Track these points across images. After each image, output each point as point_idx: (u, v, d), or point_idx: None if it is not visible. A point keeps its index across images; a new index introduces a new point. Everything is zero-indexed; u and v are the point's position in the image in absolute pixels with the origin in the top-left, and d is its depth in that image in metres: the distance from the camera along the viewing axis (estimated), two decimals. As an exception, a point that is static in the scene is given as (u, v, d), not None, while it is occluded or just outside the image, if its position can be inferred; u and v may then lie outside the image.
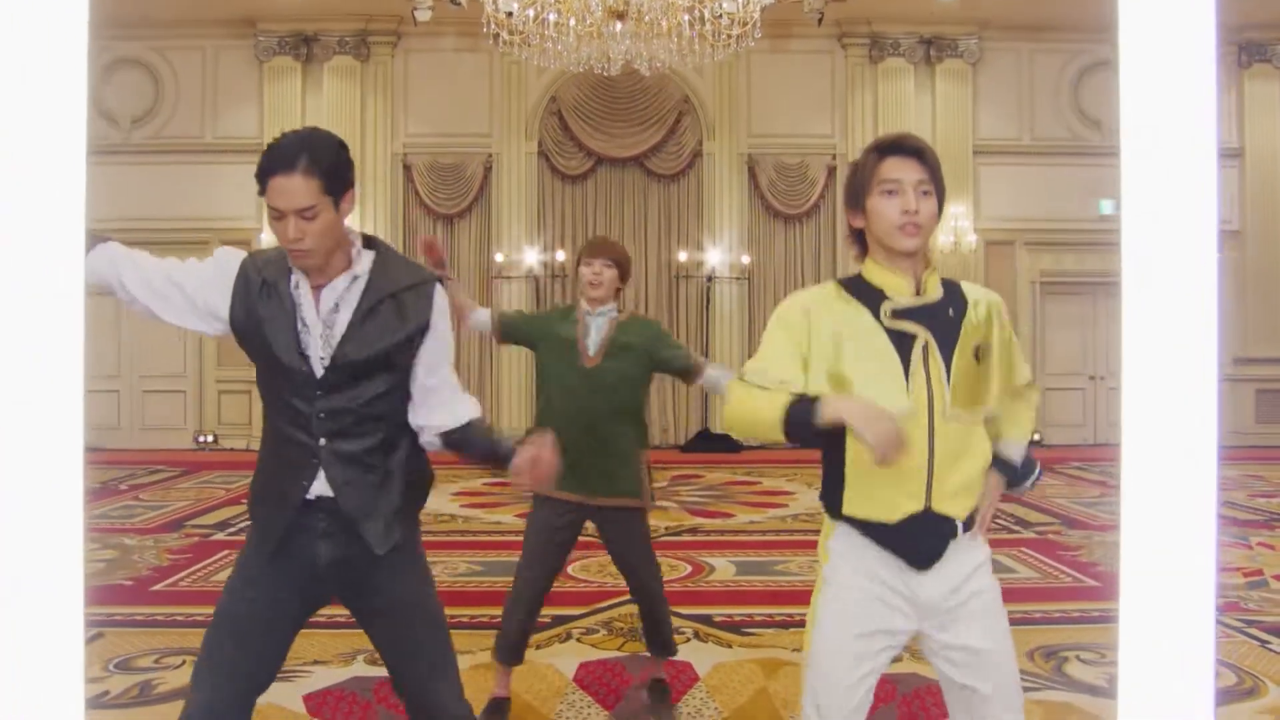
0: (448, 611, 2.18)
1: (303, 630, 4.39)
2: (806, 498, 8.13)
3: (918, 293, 1.87)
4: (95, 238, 1.98)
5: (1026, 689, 3.48)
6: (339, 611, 4.89)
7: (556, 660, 3.84)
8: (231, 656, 2.02)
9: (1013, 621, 4.52)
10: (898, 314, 1.84)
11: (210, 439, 11.57)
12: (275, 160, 1.90)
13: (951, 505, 1.84)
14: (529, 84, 11.84)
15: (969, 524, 1.88)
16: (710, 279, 11.79)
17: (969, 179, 11.80)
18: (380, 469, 2.03)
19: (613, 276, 3.18)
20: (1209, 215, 0.73)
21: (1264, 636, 4.14)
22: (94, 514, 7.27)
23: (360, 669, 3.73)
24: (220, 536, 6.36)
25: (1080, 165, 11.83)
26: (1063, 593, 4.97)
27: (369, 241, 2.09)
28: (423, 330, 2.03)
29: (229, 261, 2.06)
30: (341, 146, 1.97)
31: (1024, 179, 11.89)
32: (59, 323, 0.61)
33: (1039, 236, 11.92)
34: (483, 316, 3.37)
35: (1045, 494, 8.26)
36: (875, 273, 1.89)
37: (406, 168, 11.85)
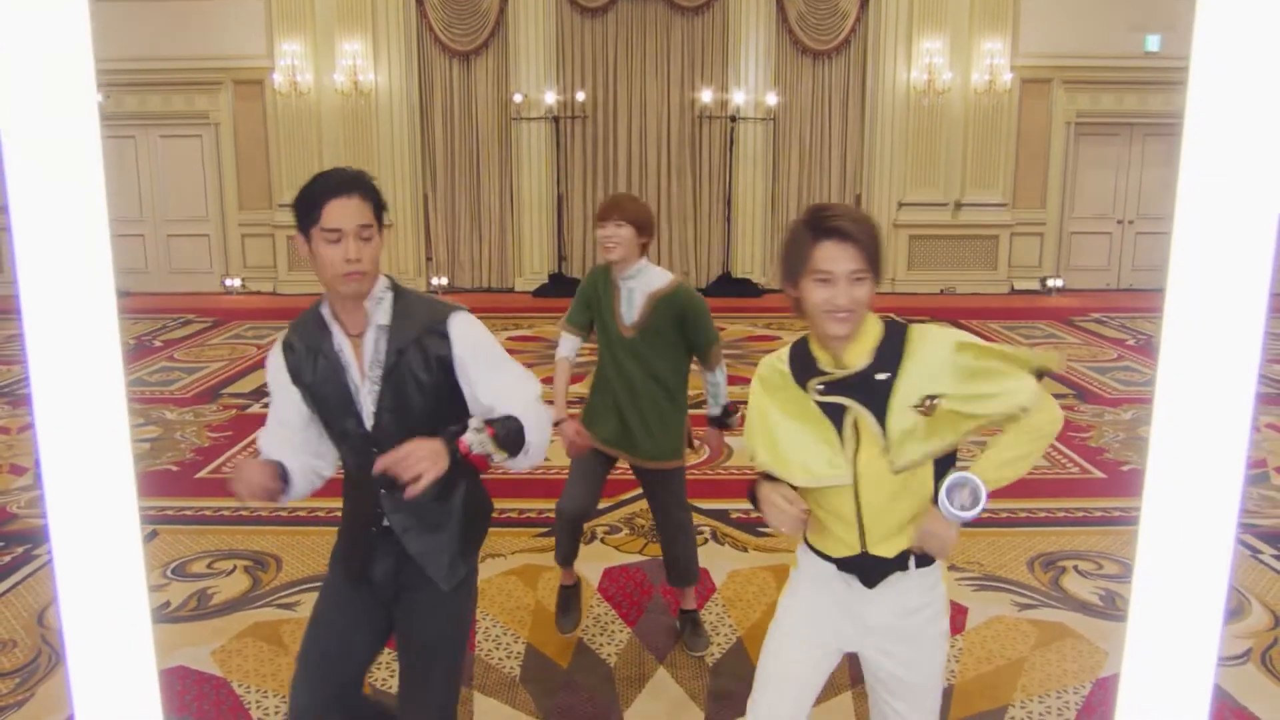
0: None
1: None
2: (825, 359, 8.26)
3: (840, 366, 1.92)
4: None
5: (1023, 606, 3.74)
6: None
7: (581, 566, 4.06)
8: (320, 662, 2.20)
9: (1015, 521, 4.74)
10: (824, 389, 1.92)
11: (238, 283, 11.72)
12: (332, 185, 1.97)
13: (887, 548, 1.98)
14: (545, -92, 11.17)
15: (922, 559, 2.01)
16: (735, 119, 11.48)
17: (1009, 12, 11.22)
18: (438, 510, 2.15)
19: (629, 235, 3.10)
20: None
21: (1256, 544, 4.31)
22: (131, 378, 7.52)
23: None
24: (256, 409, 6.60)
25: (1128, -3, 11.21)
26: (1068, 487, 5.15)
27: (390, 283, 2.14)
28: (447, 368, 2.08)
29: (274, 362, 2.16)
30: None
31: (1067, 12, 11.28)
32: (80, 177, 0.61)
33: (1078, 74, 11.43)
34: (563, 349, 3.40)
35: (1062, 355, 8.35)
36: (813, 344, 1.97)
37: (419, 1, 11.36)
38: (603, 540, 4.36)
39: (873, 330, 1.92)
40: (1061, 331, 9.54)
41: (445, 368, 2.07)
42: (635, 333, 3.19)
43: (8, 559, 4.17)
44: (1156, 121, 11.58)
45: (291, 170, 11.39)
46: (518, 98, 11.40)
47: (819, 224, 1.86)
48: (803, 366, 1.97)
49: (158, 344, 8.84)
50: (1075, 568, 4.09)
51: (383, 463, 1.87)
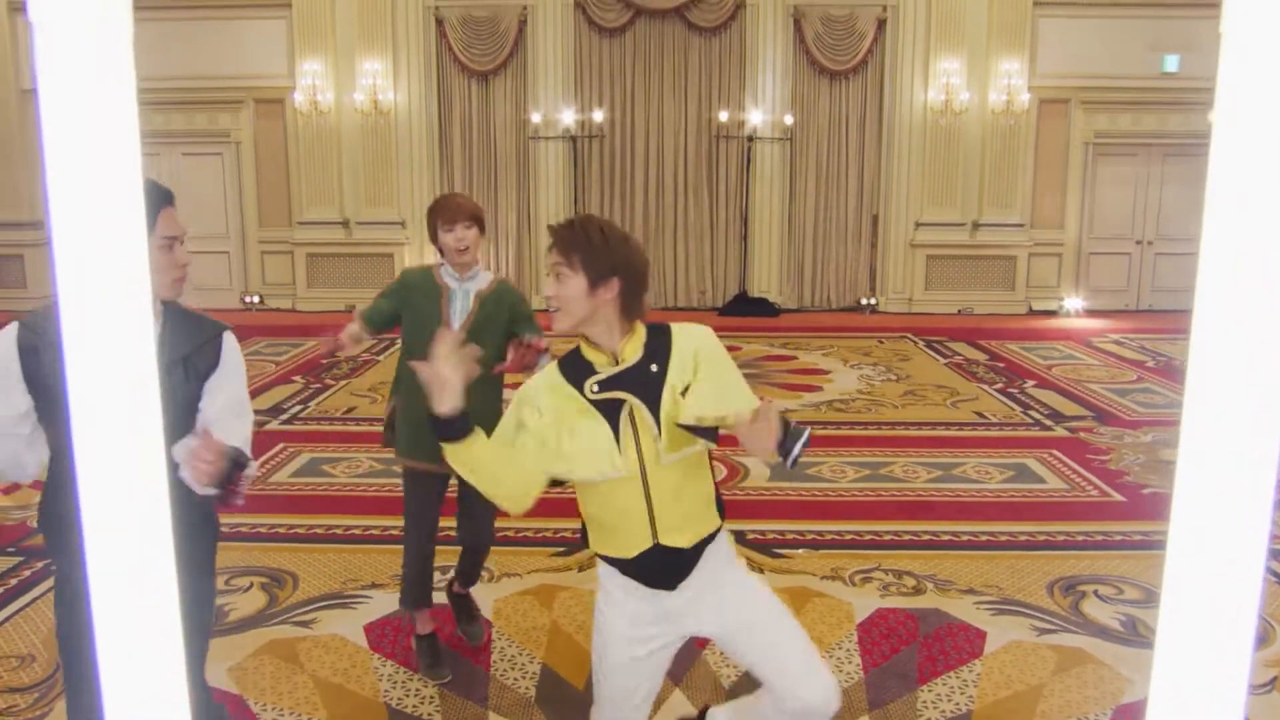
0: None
1: (360, 547, 4.68)
2: (842, 379, 8.25)
3: (616, 362, 2.09)
4: None
5: (1042, 630, 3.70)
6: (394, 523, 5.14)
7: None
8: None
9: (1034, 545, 4.72)
10: (600, 387, 2.07)
11: (256, 299, 11.80)
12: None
13: (678, 538, 2.11)
14: (564, -70, 11.28)
15: (708, 539, 2.16)
16: (751, 139, 11.51)
17: (1026, 33, 11.22)
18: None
19: (476, 236, 3.15)
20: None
21: (1281, 570, 4.26)
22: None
23: (415, 594, 3.99)
24: (274, 425, 6.63)
25: (1146, 18, 11.20)
26: (1088, 509, 5.10)
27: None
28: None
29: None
30: None
31: (1085, 33, 11.27)
32: (119, 187, 0.64)
33: (1096, 95, 11.41)
34: (352, 328, 3.29)
35: (1081, 376, 8.31)
36: (585, 350, 2.13)
37: (439, 21, 11.47)
38: (618, 560, 4.35)
39: (640, 331, 2.12)
40: (1080, 352, 9.48)
41: (203, 380, 2.16)
42: (464, 333, 3.11)
43: (27, 574, 4.19)
44: (1175, 142, 11.54)
45: (311, 188, 11.49)
46: (536, 117, 11.47)
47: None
48: (575, 371, 2.11)
49: (177, 360, 8.90)
50: (1095, 592, 4.05)
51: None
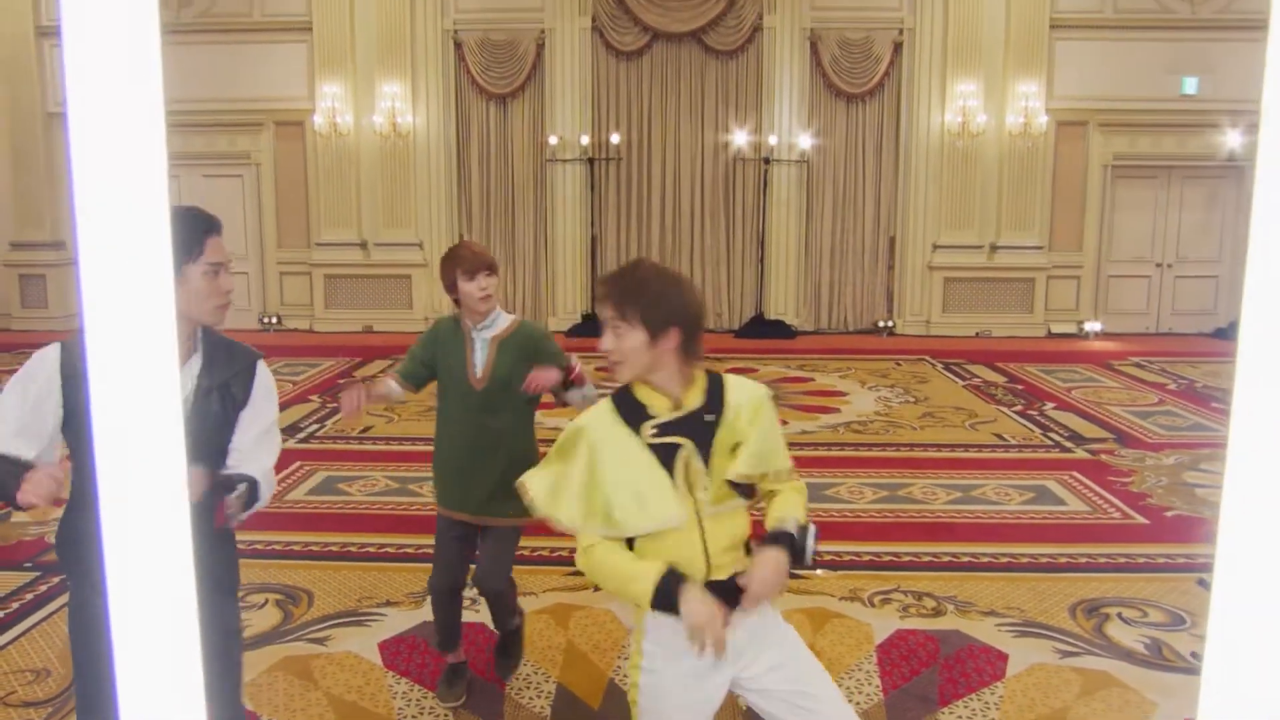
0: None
1: (375, 565, 4.66)
2: (859, 400, 8.20)
3: (677, 408, 2.05)
4: None
5: (1065, 653, 3.64)
6: (410, 541, 5.14)
7: (614, 605, 4.02)
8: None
9: (1056, 567, 4.65)
10: (658, 431, 2.03)
11: (275, 320, 11.87)
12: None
13: (722, 571, 2.06)
14: (582, -46, 11.39)
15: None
16: (768, 162, 11.53)
17: (1044, 55, 11.22)
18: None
19: (496, 283, 3.14)
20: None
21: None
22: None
23: (430, 612, 3.96)
24: (291, 444, 6.64)
25: (1164, 40, 11.20)
26: (1110, 532, 5.03)
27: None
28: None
29: (48, 370, 2.16)
30: None
31: (1103, 55, 11.26)
32: (146, 213, 0.63)
33: (1114, 117, 11.38)
34: (389, 386, 3.29)
35: (1101, 399, 8.23)
36: (641, 392, 2.08)
37: (457, 45, 11.57)
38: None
39: (702, 379, 2.10)
40: (1100, 375, 9.40)
41: (239, 409, 2.20)
42: (486, 383, 3.13)
43: (44, 589, 4.20)
44: (1195, 164, 11.49)
45: (330, 210, 11.57)
46: (553, 139, 11.53)
47: None
48: (631, 413, 2.06)
49: (195, 379, 8.94)
50: (1119, 615, 3.99)
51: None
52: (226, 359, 2.20)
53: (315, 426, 7.17)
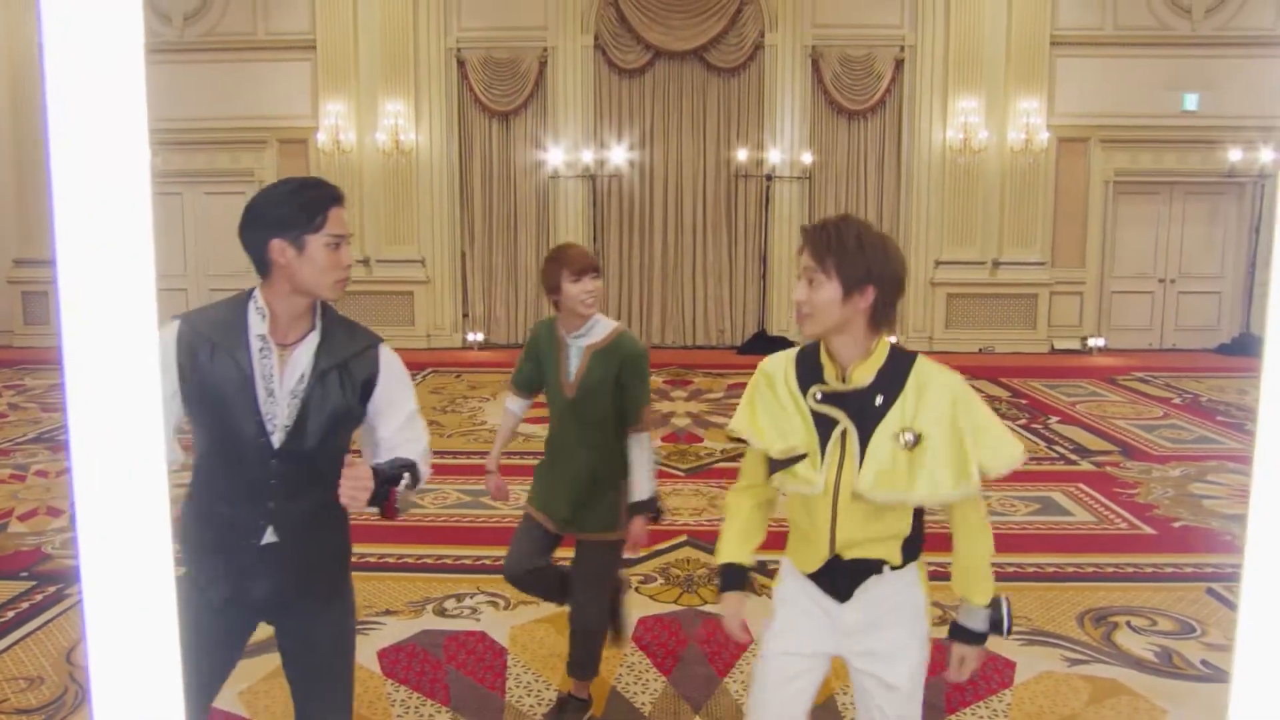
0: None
1: (375, 575, 4.61)
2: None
3: (843, 380, 1.97)
4: None
5: (1074, 661, 3.59)
6: (410, 551, 5.08)
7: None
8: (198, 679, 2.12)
9: (1063, 576, 4.60)
10: (822, 399, 1.98)
11: (276, 337, 11.84)
12: (333, 191, 2.04)
13: (858, 553, 2.02)
14: (585, -27, 11.45)
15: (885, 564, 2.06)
16: (770, 178, 11.54)
17: (1044, 72, 11.25)
18: (322, 525, 2.15)
19: (601, 287, 3.02)
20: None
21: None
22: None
23: (429, 621, 3.93)
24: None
25: (1164, 57, 11.23)
26: (1117, 542, 4.98)
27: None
28: (365, 394, 2.10)
29: (162, 340, 2.06)
30: None
31: (1103, 72, 11.29)
32: (129, 231, 0.62)
33: (1115, 134, 11.39)
34: (508, 413, 3.27)
35: (1106, 413, 8.19)
36: (823, 352, 2.01)
37: (460, 63, 11.62)
38: (638, 589, 4.27)
39: (881, 353, 1.97)
40: (1104, 390, 9.36)
41: (364, 393, 2.08)
42: (574, 392, 3.02)
43: (39, 598, 4.15)
44: (1197, 180, 11.49)
45: (332, 226, 11.58)
46: (555, 157, 11.56)
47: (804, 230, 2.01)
48: (808, 370, 2.02)
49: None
50: (1128, 623, 3.93)
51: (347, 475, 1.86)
52: (347, 338, 2.09)
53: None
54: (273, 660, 3.57)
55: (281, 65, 11.55)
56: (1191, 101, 11.23)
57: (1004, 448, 1.96)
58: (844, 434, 1.95)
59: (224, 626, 2.12)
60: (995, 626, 2.10)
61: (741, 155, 11.55)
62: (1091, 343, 11.55)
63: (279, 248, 1.97)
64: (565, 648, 3.35)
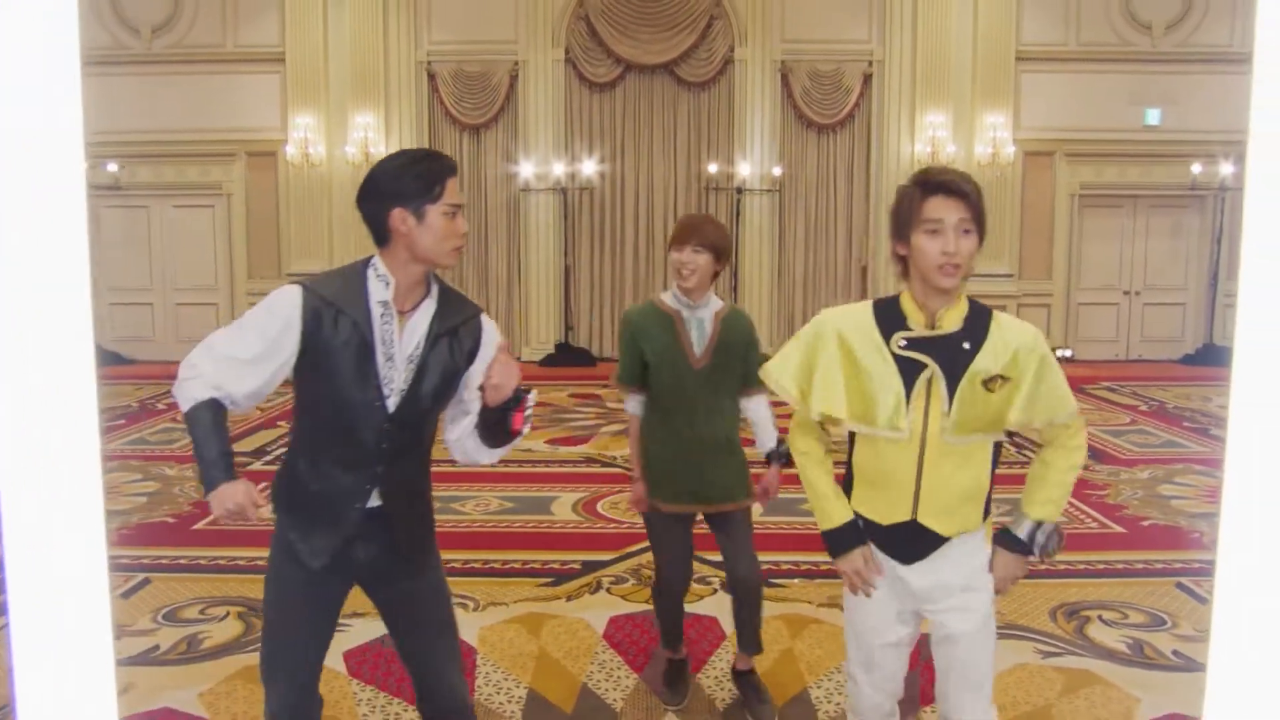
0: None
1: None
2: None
3: (932, 326, 1.99)
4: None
5: (1047, 653, 3.58)
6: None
7: (588, 614, 3.94)
8: (298, 653, 2.23)
9: (1035, 573, 4.57)
10: (907, 345, 1.99)
11: (244, 351, 11.70)
12: (450, 163, 2.13)
13: (937, 522, 2.03)
14: (555, -13, 11.49)
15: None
16: (740, 191, 11.59)
17: (1010, 87, 11.39)
18: (418, 492, 2.26)
19: (706, 262, 2.86)
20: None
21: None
22: (132, 438, 7.45)
23: (397, 622, 3.85)
24: (258, 466, 6.51)
25: (1127, 73, 11.42)
26: (1087, 540, 5.00)
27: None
28: (470, 359, 2.20)
29: (288, 302, 2.10)
30: None
31: (1068, 87, 11.46)
32: (63, 239, 0.62)
33: (1080, 147, 11.55)
34: (630, 411, 3.14)
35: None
36: (906, 301, 2.04)
37: (431, 76, 11.61)
38: (609, 590, 4.23)
39: (963, 302, 2.02)
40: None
41: (468, 359, 2.17)
42: (708, 360, 2.94)
43: (-5, 604, 4.04)
44: (1160, 194, 11.67)
45: (301, 239, 11.49)
46: (526, 170, 11.54)
47: (928, 180, 1.98)
48: (889, 321, 2.02)
49: (160, 406, 8.79)
50: (1100, 617, 3.94)
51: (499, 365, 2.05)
52: (458, 306, 2.19)
53: (282, 450, 7.04)
54: (237, 662, 3.50)
55: (250, 78, 11.47)
56: (1154, 116, 11.42)
57: (1070, 401, 2.04)
58: (931, 378, 1.97)
59: (326, 596, 2.20)
60: (1032, 542, 2.09)
61: (712, 168, 11.59)
62: (1059, 354, 11.66)
63: (400, 216, 2.04)
64: (538, 647, 3.30)
